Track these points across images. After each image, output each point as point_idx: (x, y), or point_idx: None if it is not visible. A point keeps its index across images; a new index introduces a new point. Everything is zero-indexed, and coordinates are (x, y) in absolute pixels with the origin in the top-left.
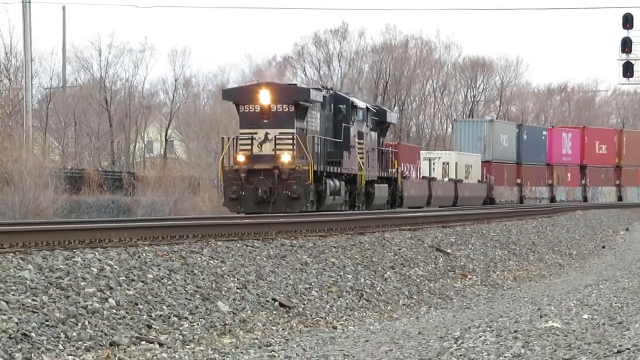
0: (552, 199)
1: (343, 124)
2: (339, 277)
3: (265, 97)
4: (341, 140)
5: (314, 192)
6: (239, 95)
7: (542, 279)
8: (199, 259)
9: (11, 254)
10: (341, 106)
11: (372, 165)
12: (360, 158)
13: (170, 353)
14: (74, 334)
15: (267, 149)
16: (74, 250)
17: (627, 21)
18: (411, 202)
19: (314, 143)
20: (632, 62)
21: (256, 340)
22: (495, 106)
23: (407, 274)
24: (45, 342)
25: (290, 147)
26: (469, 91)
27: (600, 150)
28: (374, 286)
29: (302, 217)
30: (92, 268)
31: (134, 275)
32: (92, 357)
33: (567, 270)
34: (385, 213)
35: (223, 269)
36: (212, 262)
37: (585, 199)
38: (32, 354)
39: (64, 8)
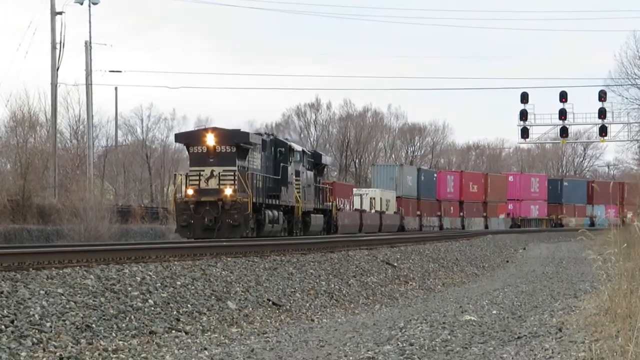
0: (441, 227)
1: (282, 164)
2: (315, 283)
3: (211, 140)
4: (279, 177)
5: (254, 221)
6: (189, 139)
7: (463, 284)
8: (214, 270)
9: (78, 267)
10: (280, 149)
11: (309, 198)
12: (297, 192)
13: (193, 339)
14: (123, 325)
15: (213, 183)
16: (124, 265)
17: (524, 98)
18: (345, 230)
19: (253, 179)
20: (528, 127)
21: (256, 330)
22: (427, 159)
23: (365, 281)
24: (102, 331)
25: (232, 182)
26: (409, 148)
27: (472, 189)
28: (341, 290)
29: (289, 240)
30: (136, 277)
31: (167, 283)
32: (137, 342)
33: (481, 278)
34: (349, 237)
35: (231, 277)
36: (223, 272)
37: (463, 227)
38: (93, 340)
39: (116, 89)
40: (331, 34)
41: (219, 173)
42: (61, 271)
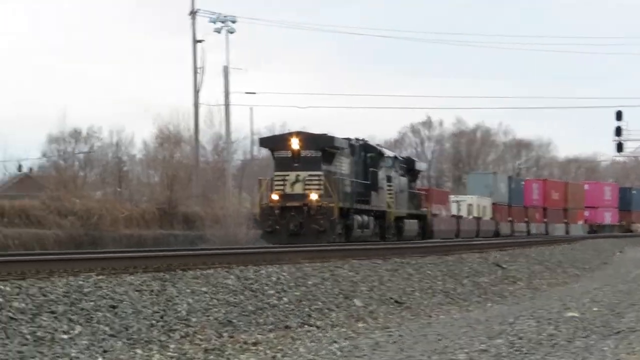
0: (528, 232)
1: (371, 169)
2: (432, 283)
3: (295, 144)
4: (369, 182)
5: (342, 226)
6: (274, 143)
7: (566, 284)
8: (341, 271)
9: (220, 268)
10: (370, 154)
11: (401, 203)
12: (389, 197)
13: (323, 333)
14: (261, 320)
15: (298, 188)
16: (260, 266)
17: (619, 116)
18: (441, 235)
19: (340, 183)
20: (622, 142)
21: (379, 325)
22: (532, 172)
23: (477, 281)
24: (242, 325)
25: (318, 186)
26: (515, 161)
27: (554, 196)
28: (455, 289)
29: (409, 244)
30: (272, 277)
31: (299, 282)
32: (273, 335)
33: (582, 279)
34: (462, 241)
35: (357, 277)
36: (350, 273)
37: (547, 232)
38: (234, 334)
39: (251, 109)
40: (445, 58)
41: (304, 178)
42: (205, 272)
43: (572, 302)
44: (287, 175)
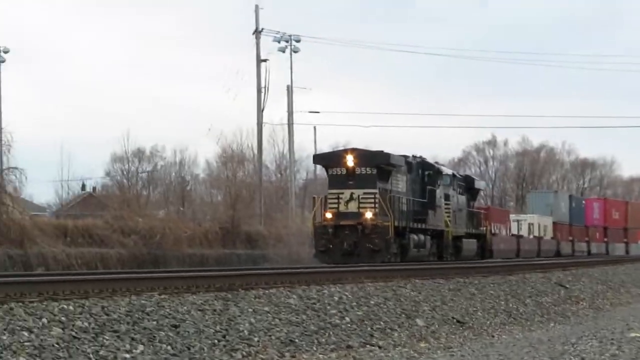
0: (589, 252)
1: (428, 187)
2: (495, 303)
3: (350, 161)
4: (426, 200)
5: (397, 245)
6: (328, 160)
7: (629, 304)
8: (404, 291)
9: (282, 287)
10: (428, 172)
11: (460, 222)
12: (447, 216)
13: (385, 353)
14: (323, 340)
15: (353, 207)
16: (323, 285)
17: None
18: (501, 255)
19: (395, 201)
20: None
21: (442, 345)
22: (595, 191)
23: (540, 301)
24: (304, 345)
25: (373, 205)
26: (580, 180)
27: (615, 215)
28: (518, 309)
29: (471, 264)
30: (334, 297)
31: (362, 302)
32: (335, 355)
33: None
34: (524, 261)
35: (419, 297)
36: (412, 293)
37: (607, 252)
38: (296, 353)
39: (314, 128)
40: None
41: (359, 196)
42: (267, 291)
43: (635, 323)
44: (342, 193)
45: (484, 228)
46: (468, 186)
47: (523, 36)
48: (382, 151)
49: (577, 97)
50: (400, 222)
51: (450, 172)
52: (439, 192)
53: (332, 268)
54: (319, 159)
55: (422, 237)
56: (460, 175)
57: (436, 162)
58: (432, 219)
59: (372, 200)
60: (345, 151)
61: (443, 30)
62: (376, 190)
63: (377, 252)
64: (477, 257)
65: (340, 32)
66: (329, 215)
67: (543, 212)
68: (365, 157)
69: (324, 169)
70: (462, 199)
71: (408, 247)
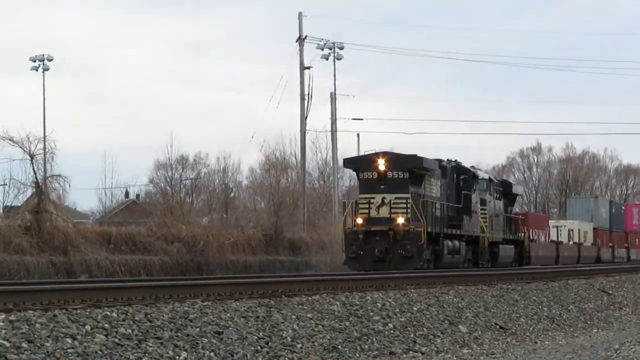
0: (629, 258)
1: (464, 192)
2: (538, 309)
3: (382, 165)
4: (461, 206)
5: (430, 252)
6: (358, 164)
7: None
8: (446, 297)
9: (325, 294)
10: (463, 176)
11: (496, 228)
12: (483, 222)
13: (428, 359)
14: (366, 346)
15: (384, 212)
16: (366, 292)
17: None
18: (539, 261)
19: (429, 207)
20: None
21: (484, 351)
22: (639, 198)
23: (583, 307)
24: (347, 351)
25: (405, 210)
26: (623, 187)
27: None
28: (561, 315)
29: (513, 270)
30: (377, 303)
31: (405, 308)
32: None
33: None
34: (567, 267)
35: (462, 303)
36: (455, 299)
37: None
38: (339, 359)
39: (358, 135)
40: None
41: (391, 201)
42: (310, 298)
43: None
44: (373, 197)
45: (522, 234)
46: (505, 191)
47: (573, 44)
48: (415, 155)
49: (621, 103)
50: (434, 228)
51: (486, 176)
52: (475, 197)
53: (374, 275)
54: (349, 162)
55: (456, 243)
56: (498, 180)
57: (472, 167)
58: (467, 225)
59: (404, 205)
60: (377, 155)
61: (486, 37)
62: (408, 195)
63: (409, 259)
64: (515, 264)
65: (385, 39)
66: (359, 220)
67: (583, 217)
68: (398, 160)
69: (355, 172)
70: (499, 204)
71: (441, 254)
